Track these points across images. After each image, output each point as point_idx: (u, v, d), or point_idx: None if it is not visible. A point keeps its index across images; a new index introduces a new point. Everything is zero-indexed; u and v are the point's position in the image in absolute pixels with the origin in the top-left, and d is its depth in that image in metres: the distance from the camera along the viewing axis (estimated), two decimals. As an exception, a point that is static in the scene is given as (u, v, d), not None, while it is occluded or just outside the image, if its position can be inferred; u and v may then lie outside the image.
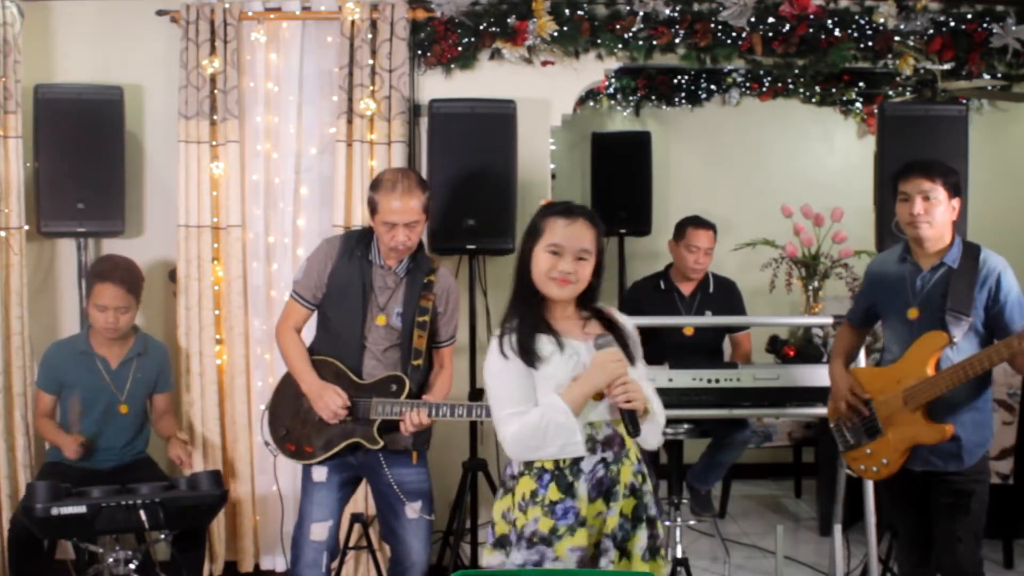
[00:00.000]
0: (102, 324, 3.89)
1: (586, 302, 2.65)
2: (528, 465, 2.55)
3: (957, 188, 3.28)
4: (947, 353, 3.20)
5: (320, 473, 3.50)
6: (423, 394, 3.52)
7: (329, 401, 3.40)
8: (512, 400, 2.54)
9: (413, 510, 3.48)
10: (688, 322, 4.65)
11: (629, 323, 2.71)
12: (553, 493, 2.50)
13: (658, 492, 4.39)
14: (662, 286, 4.75)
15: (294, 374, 3.51)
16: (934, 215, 3.23)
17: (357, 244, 3.53)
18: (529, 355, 2.53)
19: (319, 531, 3.49)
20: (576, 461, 2.51)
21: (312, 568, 3.49)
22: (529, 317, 2.58)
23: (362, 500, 4.15)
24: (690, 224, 4.69)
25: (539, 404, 2.52)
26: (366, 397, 3.44)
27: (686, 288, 4.71)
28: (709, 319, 4.68)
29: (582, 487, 2.50)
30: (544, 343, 2.55)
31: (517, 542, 2.51)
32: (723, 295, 4.74)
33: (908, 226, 3.27)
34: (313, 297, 3.53)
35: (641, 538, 2.56)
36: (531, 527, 2.50)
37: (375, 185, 3.47)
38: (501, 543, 2.55)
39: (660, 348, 4.52)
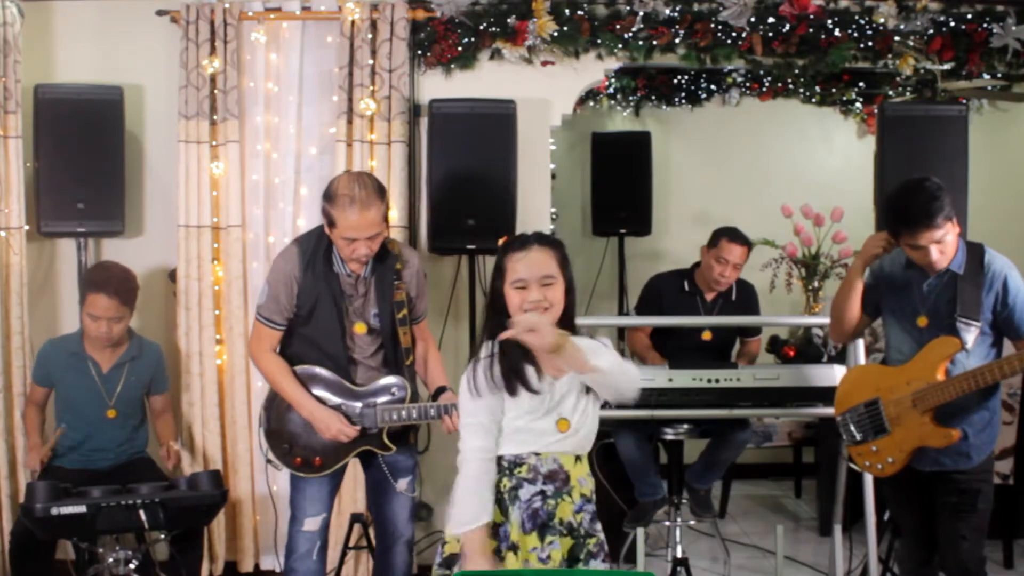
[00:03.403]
0: (94, 333, 3.88)
1: (565, 326, 2.61)
2: None
3: (952, 207, 3.20)
4: (959, 357, 3.20)
5: (310, 474, 3.47)
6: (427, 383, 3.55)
7: (337, 433, 3.35)
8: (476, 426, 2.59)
9: (400, 486, 3.51)
10: (701, 323, 4.64)
11: (591, 349, 2.60)
12: (496, 515, 2.55)
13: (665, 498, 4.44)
14: (686, 288, 4.71)
15: (289, 401, 3.41)
16: (948, 252, 3.20)
17: (315, 255, 3.37)
18: (516, 382, 2.53)
19: (312, 524, 3.48)
20: (515, 487, 2.56)
21: (305, 558, 3.48)
22: (513, 350, 2.54)
23: (362, 500, 4.16)
24: (725, 235, 4.59)
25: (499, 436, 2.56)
26: (368, 404, 3.43)
27: (710, 294, 4.69)
28: (720, 319, 4.67)
29: (515, 513, 2.55)
30: (531, 374, 2.54)
31: (462, 559, 2.55)
32: (744, 301, 4.72)
33: (927, 267, 3.23)
34: (283, 319, 3.42)
35: None
36: None
37: (329, 198, 3.27)
38: (448, 563, 2.59)
39: (676, 351, 4.52)
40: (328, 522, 3.56)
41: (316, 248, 3.39)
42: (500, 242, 2.70)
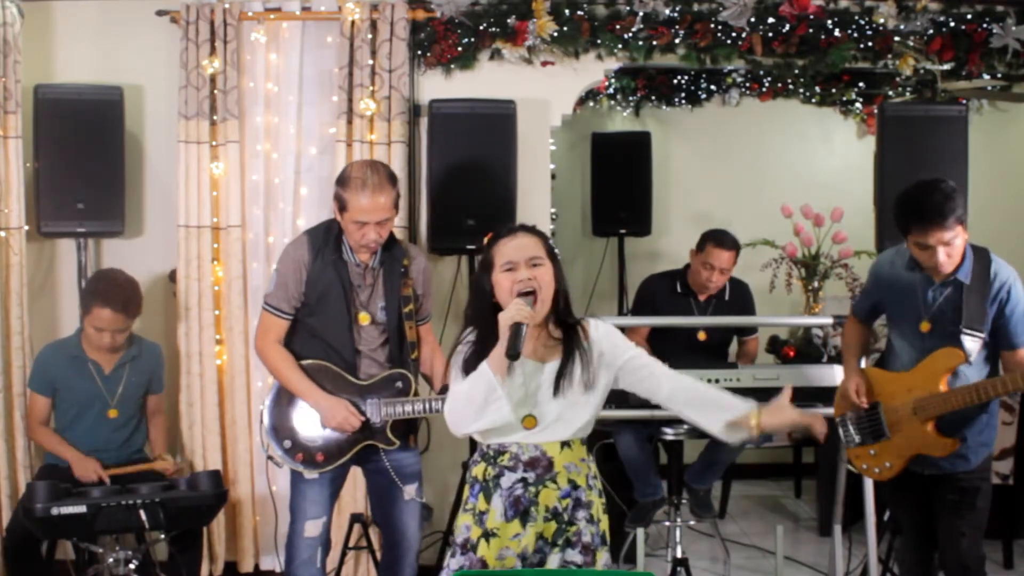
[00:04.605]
0: (97, 343, 3.89)
1: (560, 318, 2.66)
2: (468, 473, 2.67)
3: (965, 211, 3.17)
4: (962, 368, 3.20)
5: (313, 470, 3.48)
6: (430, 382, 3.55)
7: (343, 421, 3.37)
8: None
9: (409, 492, 3.49)
10: (697, 323, 4.64)
11: (606, 335, 2.69)
12: (481, 503, 2.60)
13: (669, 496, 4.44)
14: (679, 289, 4.72)
15: (295, 392, 3.43)
16: (955, 255, 3.17)
17: (325, 243, 3.43)
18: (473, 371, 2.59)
19: (313, 528, 3.47)
20: (498, 476, 2.59)
21: (308, 565, 3.48)
22: (488, 335, 2.59)
23: (362, 500, 4.16)
24: (711, 241, 4.59)
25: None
26: (373, 398, 3.43)
27: (702, 295, 4.69)
28: (716, 319, 4.67)
29: (497, 501, 2.58)
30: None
31: (453, 548, 2.61)
32: (737, 300, 4.72)
33: (931, 270, 3.21)
34: (291, 308, 3.44)
35: (553, 563, 2.57)
36: (463, 534, 2.61)
37: (343, 181, 3.36)
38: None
39: (671, 352, 4.51)
40: (329, 526, 3.55)
41: (326, 237, 3.44)
42: (486, 240, 2.74)
